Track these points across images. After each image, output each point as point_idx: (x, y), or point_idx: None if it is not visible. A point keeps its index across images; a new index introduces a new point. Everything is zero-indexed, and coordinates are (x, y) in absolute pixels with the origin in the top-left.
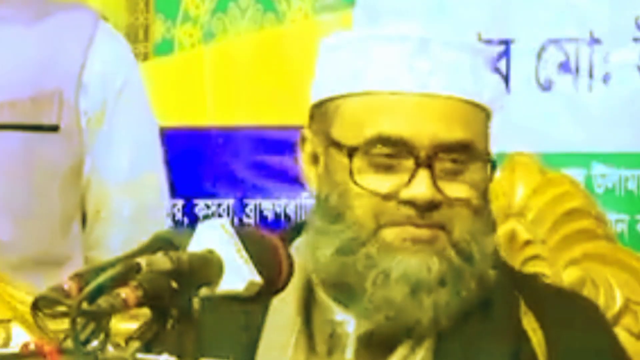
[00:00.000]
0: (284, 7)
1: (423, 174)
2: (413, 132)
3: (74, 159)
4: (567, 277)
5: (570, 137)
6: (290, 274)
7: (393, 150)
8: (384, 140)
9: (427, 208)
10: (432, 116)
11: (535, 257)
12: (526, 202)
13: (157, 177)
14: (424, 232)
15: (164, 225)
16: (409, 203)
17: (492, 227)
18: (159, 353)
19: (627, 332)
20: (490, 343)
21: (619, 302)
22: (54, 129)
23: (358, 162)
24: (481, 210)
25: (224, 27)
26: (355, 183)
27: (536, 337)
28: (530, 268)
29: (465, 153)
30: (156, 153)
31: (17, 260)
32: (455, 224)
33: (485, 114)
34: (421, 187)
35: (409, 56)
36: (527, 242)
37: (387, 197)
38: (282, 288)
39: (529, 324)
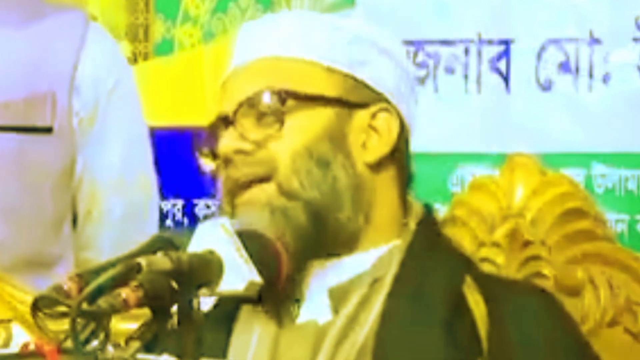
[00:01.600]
0: (283, 8)
1: (229, 131)
2: (227, 103)
3: (67, 159)
4: (567, 277)
5: (570, 137)
6: (290, 273)
7: (222, 126)
8: (218, 120)
9: (235, 155)
10: (237, 81)
11: (535, 257)
12: (526, 202)
13: (148, 177)
14: (248, 195)
15: (155, 225)
16: (224, 161)
17: (331, 162)
18: (160, 353)
19: (627, 332)
20: (425, 306)
21: (619, 302)
22: (47, 130)
23: None
24: (315, 149)
25: (224, 27)
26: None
27: (478, 310)
28: (530, 268)
29: (280, 99)
30: (147, 153)
31: (10, 261)
32: (278, 166)
33: (314, 65)
34: (223, 140)
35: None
36: (527, 243)
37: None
38: (283, 288)
39: (472, 295)
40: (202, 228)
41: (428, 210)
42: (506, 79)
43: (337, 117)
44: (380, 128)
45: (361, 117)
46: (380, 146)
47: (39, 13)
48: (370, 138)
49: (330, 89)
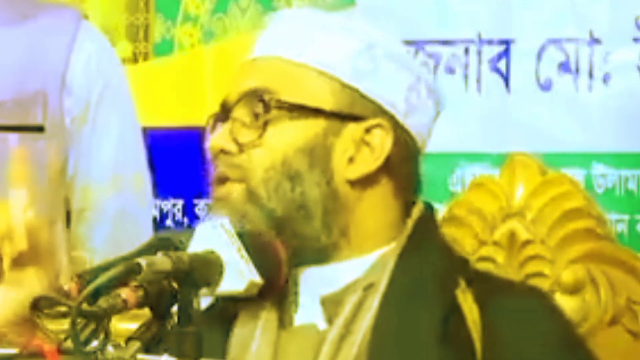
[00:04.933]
0: (283, 7)
1: (222, 127)
2: (231, 92)
3: (59, 158)
4: (567, 277)
5: (570, 137)
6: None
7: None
8: (221, 107)
9: (220, 153)
10: (241, 73)
11: (535, 257)
12: (526, 202)
13: (142, 175)
14: (221, 191)
15: (149, 224)
16: (212, 156)
17: (304, 178)
18: (159, 353)
19: (627, 332)
20: (418, 310)
21: (619, 302)
22: (39, 129)
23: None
24: (290, 162)
25: (224, 27)
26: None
27: (471, 314)
28: (531, 268)
29: (265, 107)
30: (140, 152)
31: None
32: (253, 170)
33: (313, 71)
34: (213, 137)
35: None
36: (527, 242)
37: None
38: (282, 288)
39: (465, 299)
40: (202, 228)
41: (427, 209)
42: (506, 79)
43: (325, 130)
44: (373, 144)
45: (353, 130)
46: (368, 162)
47: (31, 11)
48: (360, 152)
49: (325, 101)
